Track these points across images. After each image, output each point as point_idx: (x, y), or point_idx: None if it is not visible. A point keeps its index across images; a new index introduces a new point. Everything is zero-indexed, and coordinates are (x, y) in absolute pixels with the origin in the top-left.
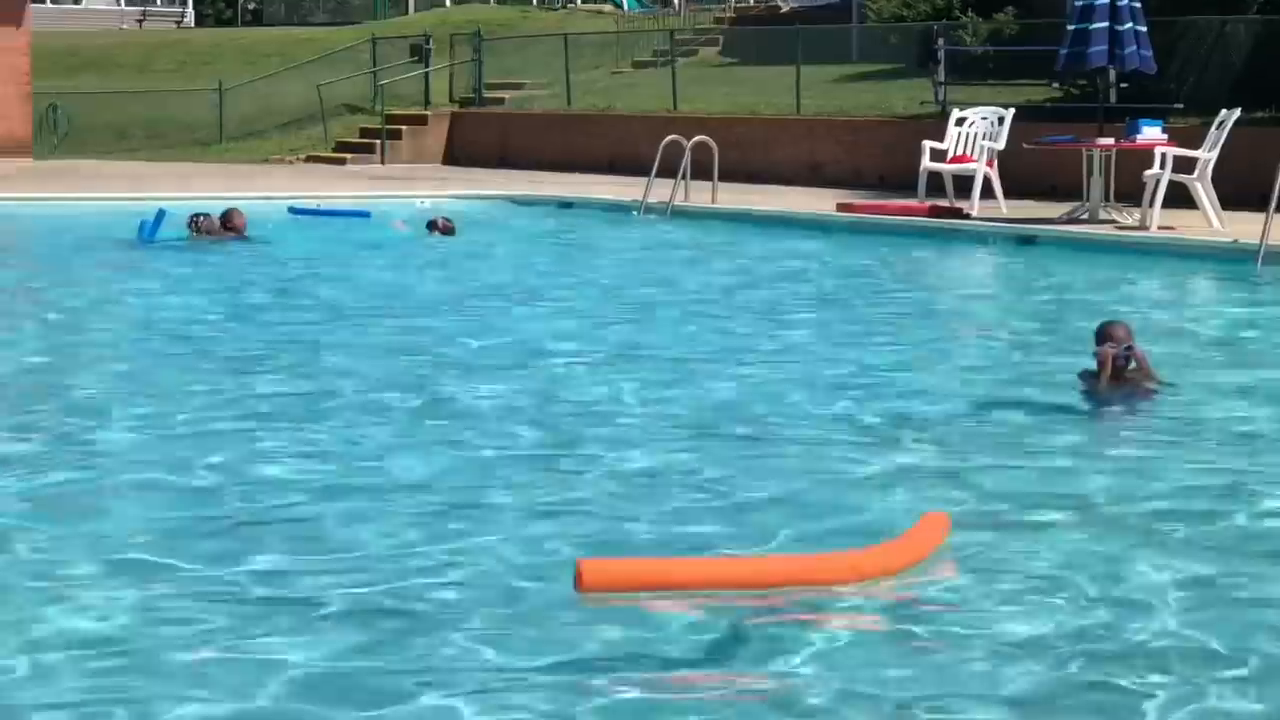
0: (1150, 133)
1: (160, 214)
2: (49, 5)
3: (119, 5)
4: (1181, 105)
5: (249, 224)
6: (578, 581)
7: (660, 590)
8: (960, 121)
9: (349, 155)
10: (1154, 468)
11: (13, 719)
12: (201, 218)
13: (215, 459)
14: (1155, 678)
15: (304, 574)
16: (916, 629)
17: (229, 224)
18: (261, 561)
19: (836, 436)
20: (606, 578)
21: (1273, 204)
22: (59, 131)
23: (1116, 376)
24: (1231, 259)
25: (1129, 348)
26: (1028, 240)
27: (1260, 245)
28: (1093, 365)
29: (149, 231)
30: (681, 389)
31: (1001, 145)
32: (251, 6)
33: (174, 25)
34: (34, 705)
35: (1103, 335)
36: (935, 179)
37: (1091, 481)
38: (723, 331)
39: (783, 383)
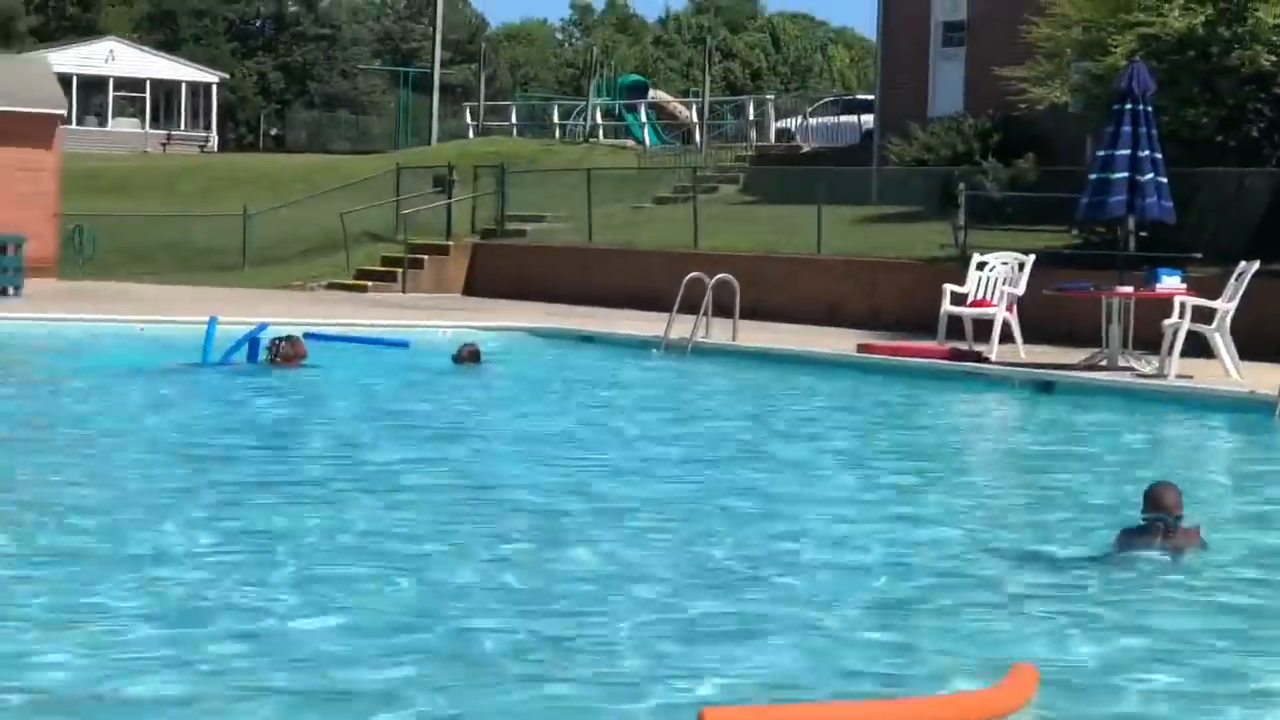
0: (1169, 282)
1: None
2: (76, 128)
3: (144, 129)
4: (1200, 255)
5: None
6: None
7: None
8: (981, 266)
9: (370, 283)
10: (1175, 630)
11: None
12: (282, 342)
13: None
14: None
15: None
16: None
17: (294, 351)
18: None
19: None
20: None
21: None
22: (84, 253)
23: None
24: (1248, 409)
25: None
26: (1046, 386)
27: (1278, 396)
28: (1136, 522)
29: (225, 354)
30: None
31: (1021, 290)
32: (274, 133)
33: (198, 150)
34: None
35: (1152, 498)
36: (954, 322)
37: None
38: (748, 473)
39: (804, 530)
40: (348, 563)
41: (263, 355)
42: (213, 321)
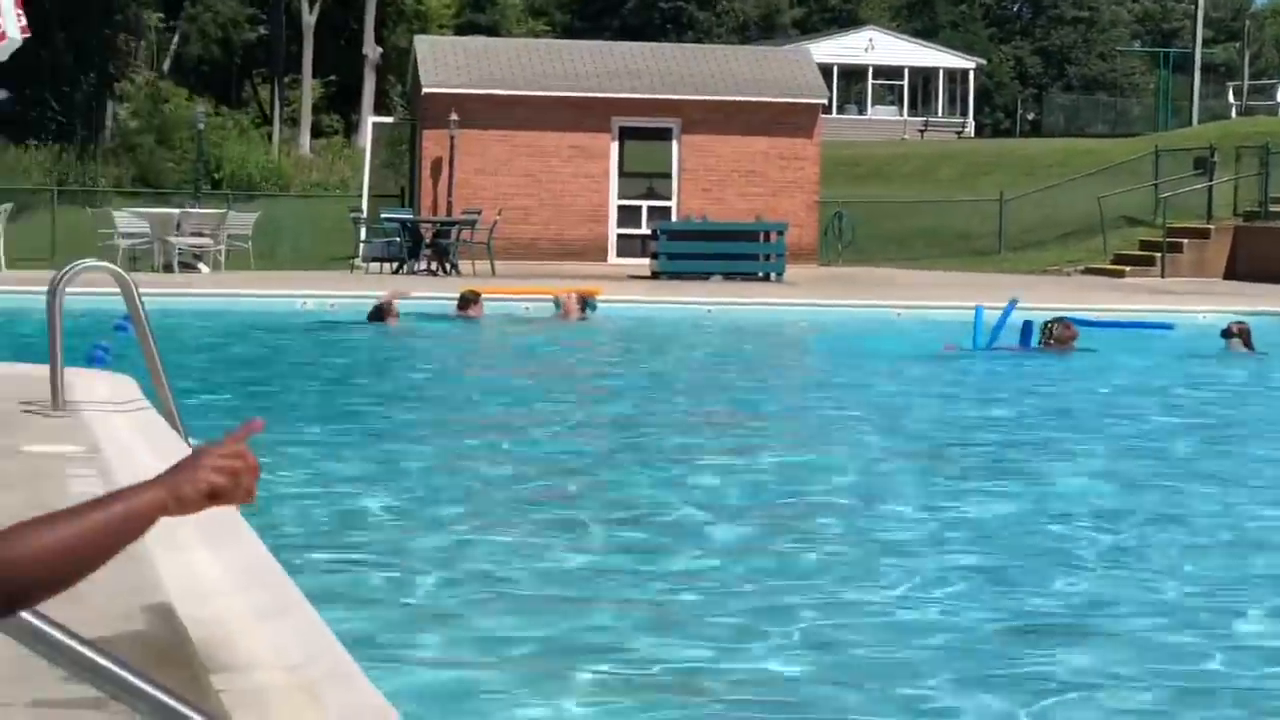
0: None
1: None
2: (835, 116)
3: (902, 116)
4: None
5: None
6: None
7: None
8: None
9: (1127, 268)
10: None
11: None
12: (1055, 325)
13: None
14: None
15: None
16: None
17: (1067, 333)
18: None
19: None
20: None
21: None
22: (843, 239)
23: None
24: None
25: None
26: None
27: None
28: None
29: (990, 338)
30: None
31: None
32: (1031, 117)
33: (954, 135)
34: None
35: None
36: None
37: None
38: None
39: None
40: None
41: (1036, 339)
42: (979, 311)
